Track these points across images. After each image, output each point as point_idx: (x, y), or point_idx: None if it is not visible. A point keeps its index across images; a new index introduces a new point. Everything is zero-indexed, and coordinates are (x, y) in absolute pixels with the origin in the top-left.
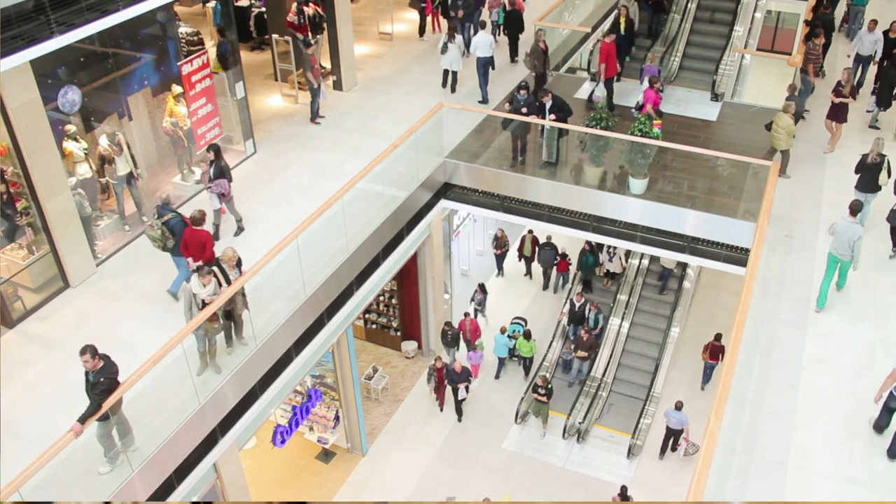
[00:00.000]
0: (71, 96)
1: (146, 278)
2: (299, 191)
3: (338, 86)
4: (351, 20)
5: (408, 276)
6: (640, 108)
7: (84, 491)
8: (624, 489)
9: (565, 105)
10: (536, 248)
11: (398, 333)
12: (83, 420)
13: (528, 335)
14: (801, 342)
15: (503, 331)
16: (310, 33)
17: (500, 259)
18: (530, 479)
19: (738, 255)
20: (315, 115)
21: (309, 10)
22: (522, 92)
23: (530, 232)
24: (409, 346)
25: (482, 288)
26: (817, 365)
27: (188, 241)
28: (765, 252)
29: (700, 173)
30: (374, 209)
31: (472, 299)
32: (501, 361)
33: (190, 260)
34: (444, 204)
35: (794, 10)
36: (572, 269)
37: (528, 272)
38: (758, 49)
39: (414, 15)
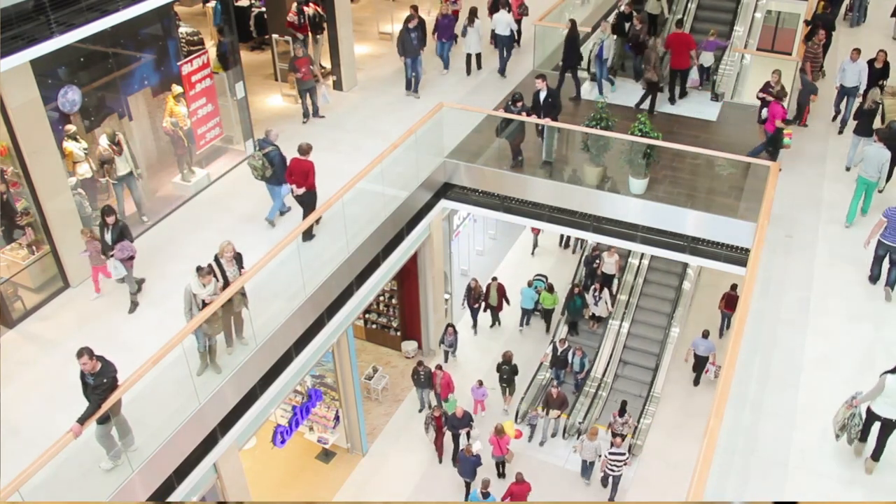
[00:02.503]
0: (71, 96)
1: (146, 278)
2: None
3: (338, 86)
4: (351, 20)
5: (408, 276)
6: (763, 122)
7: (84, 491)
8: (624, 403)
9: (556, 101)
10: (503, 299)
11: (398, 333)
12: (82, 421)
13: (550, 288)
14: (801, 342)
15: (529, 284)
16: (310, 33)
17: (475, 313)
18: (530, 479)
19: (738, 255)
20: (306, 115)
21: (309, 10)
22: (518, 104)
23: (495, 279)
24: (409, 346)
25: (453, 329)
26: (817, 365)
27: (293, 168)
28: (765, 252)
29: (700, 173)
30: (374, 209)
31: (442, 341)
32: (526, 313)
33: (294, 186)
34: (444, 204)
35: (794, 10)
36: (558, 310)
37: (496, 321)
38: (758, 49)
39: None
